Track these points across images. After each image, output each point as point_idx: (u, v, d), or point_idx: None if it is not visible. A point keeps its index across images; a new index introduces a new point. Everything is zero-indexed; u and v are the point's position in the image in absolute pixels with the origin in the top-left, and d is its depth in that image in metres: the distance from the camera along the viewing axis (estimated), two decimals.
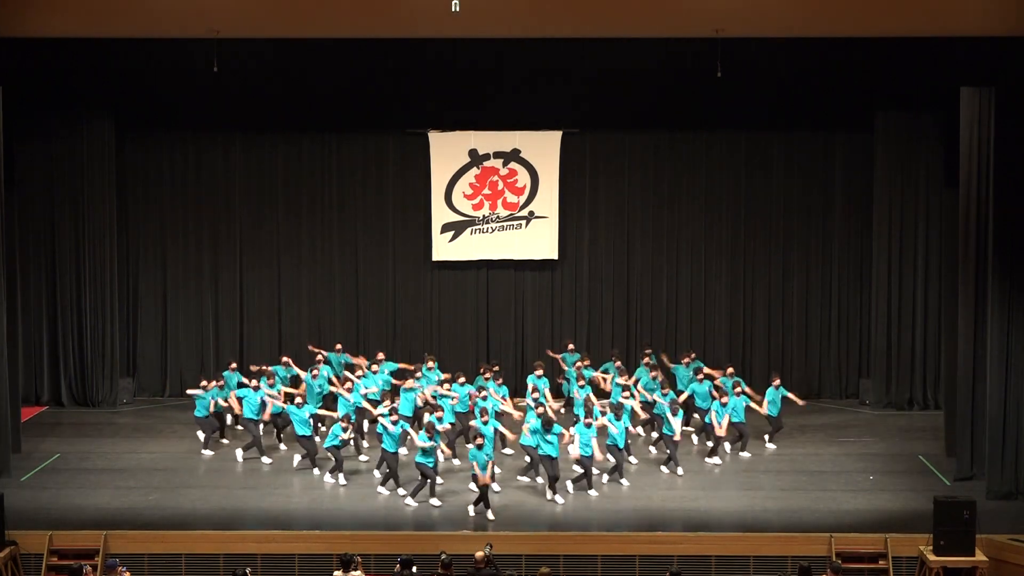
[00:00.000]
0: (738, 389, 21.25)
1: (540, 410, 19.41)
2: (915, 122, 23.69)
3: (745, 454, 20.97)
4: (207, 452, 21.23)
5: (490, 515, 18.07)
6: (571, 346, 23.70)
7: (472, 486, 18.69)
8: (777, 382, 21.66)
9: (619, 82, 23.20)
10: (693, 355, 23.04)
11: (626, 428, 19.67)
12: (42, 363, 24.61)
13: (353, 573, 15.58)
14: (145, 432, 22.55)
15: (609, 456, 19.55)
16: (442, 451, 19.30)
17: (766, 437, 21.65)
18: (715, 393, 21.48)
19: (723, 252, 25.08)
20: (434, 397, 20.99)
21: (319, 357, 22.65)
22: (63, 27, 18.88)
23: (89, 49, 20.52)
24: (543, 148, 24.69)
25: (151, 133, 24.71)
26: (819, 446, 21.85)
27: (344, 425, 19.59)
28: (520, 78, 23.15)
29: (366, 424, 21.51)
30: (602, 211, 25.12)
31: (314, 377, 21.99)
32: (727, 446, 21.17)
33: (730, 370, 22.23)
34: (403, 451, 20.06)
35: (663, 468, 20.18)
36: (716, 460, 20.70)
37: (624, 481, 19.59)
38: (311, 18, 18.48)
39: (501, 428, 20.28)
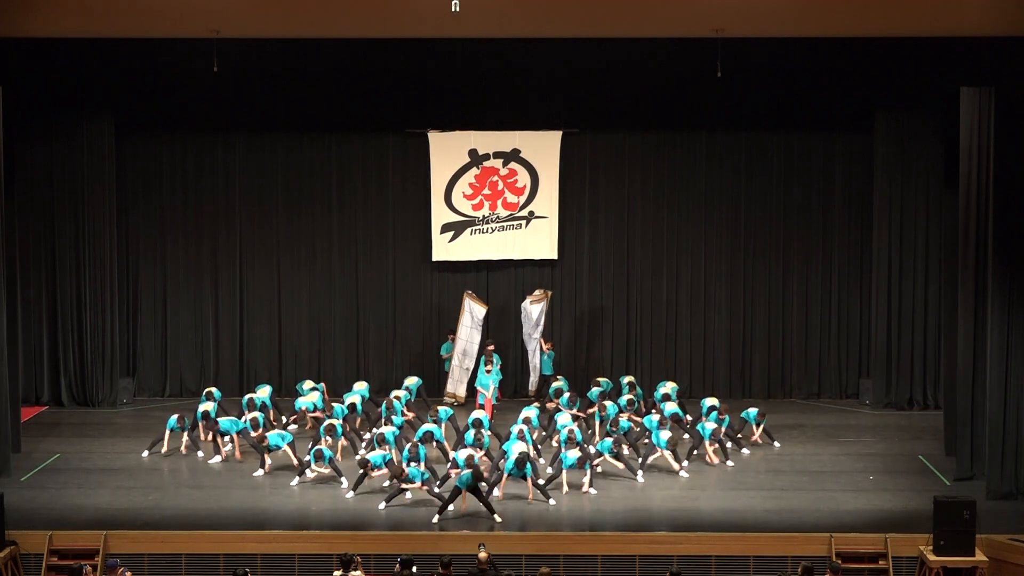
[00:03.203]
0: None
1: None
2: (915, 122, 23.69)
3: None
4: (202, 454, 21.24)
5: (497, 518, 18.06)
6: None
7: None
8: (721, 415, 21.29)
9: (619, 82, 23.22)
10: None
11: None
12: (42, 363, 24.60)
13: (353, 573, 15.59)
14: (145, 432, 22.48)
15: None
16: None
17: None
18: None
19: (723, 252, 25.08)
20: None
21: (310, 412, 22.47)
22: (63, 27, 18.87)
23: (89, 49, 20.51)
24: (543, 148, 24.69)
25: (151, 133, 24.71)
26: (819, 446, 21.85)
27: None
28: (520, 78, 23.17)
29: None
30: (602, 211, 25.12)
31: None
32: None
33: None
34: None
35: (639, 477, 20.06)
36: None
37: (592, 490, 19.36)
38: (311, 18, 18.46)
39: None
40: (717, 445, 20.62)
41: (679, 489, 19.55)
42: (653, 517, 18.27)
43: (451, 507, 18.15)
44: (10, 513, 17.44)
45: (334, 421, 20.80)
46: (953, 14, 17.84)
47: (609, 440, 19.93)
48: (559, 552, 17.15)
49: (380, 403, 21.85)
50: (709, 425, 20.72)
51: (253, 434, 20.59)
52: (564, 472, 19.20)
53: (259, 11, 18.12)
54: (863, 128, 24.10)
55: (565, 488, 19.16)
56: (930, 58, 19.82)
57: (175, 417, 21.29)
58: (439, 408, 21.54)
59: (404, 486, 18.50)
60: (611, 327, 25.25)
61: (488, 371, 22.85)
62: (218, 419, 21.24)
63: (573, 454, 19.24)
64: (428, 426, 20.41)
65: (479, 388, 22.78)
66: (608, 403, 21.74)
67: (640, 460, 20.21)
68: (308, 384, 23.07)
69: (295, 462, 20.02)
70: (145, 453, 21.23)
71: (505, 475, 18.77)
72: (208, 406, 21.67)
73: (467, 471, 18.12)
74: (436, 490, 18.72)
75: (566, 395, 22.16)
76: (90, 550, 17.15)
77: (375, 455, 19.17)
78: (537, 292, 24.06)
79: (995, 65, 18.74)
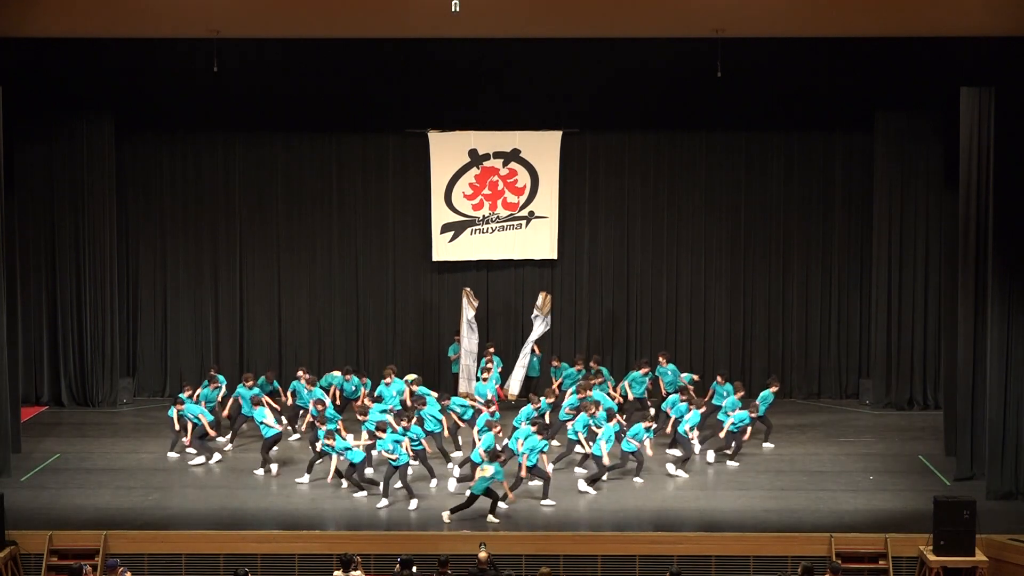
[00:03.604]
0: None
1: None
2: (915, 122, 23.69)
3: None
4: (173, 455, 21.16)
5: (493, 518, 18.05)
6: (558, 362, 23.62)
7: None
8: (776, 388, 21.66)
9: (619, 82, 23.20)
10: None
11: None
12: (42, 363, 24.60)
13: (353, 573, 15.60)
14: (145, 432, 22.54)
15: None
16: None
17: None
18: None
19: (723, 252, 25.08)
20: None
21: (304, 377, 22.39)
22: (63, 27, 18.88)
23: (89, 49, 20.52)
24: (543, 148, 24.68)
25: (151, 133, 24.70)
26: (819, 446, 21.85)
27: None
28: (520, 78, 23.14)
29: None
30: (602, 211, 25.12)
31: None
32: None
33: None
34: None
35: (676, 470, 20.13)
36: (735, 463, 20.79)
37: (589, 489, 19.39)
38: (311, 18, 18.47)
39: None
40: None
41: (679, 489, 19.56)
42: (653, 517, 18.27)
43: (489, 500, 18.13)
44: (10, 513, 17.44)
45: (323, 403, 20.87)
46: (953, 14, 17.85)
47: (640, 425, 19.81)
48: (559, 552, 17.15)
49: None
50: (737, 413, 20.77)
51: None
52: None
53: (259, 11, 18.13)
54: (863, 128, 24.10)
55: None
56: (930, 58, 19.82)
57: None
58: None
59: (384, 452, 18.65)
60: (611, 327, 25.25)
61: (484, 379, 22.35)
62: (184, 402, 21.13)
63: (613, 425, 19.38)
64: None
65: (476, 396, 22.12)
66: (594, 391, 21.61)
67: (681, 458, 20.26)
68: (336, 374, 22.90)
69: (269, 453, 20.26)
70: (171, 454, 21.20)
71: (526, 456, 18.67)
72: (186, 393, 21.56)
73: (494, 465, 18.04)
74: (407, 480, 18.79)
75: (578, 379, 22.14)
76: (90, 550, 17.16)
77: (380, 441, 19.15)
78: (540, 301, 23.70)
79: (995, 65, 18.74)
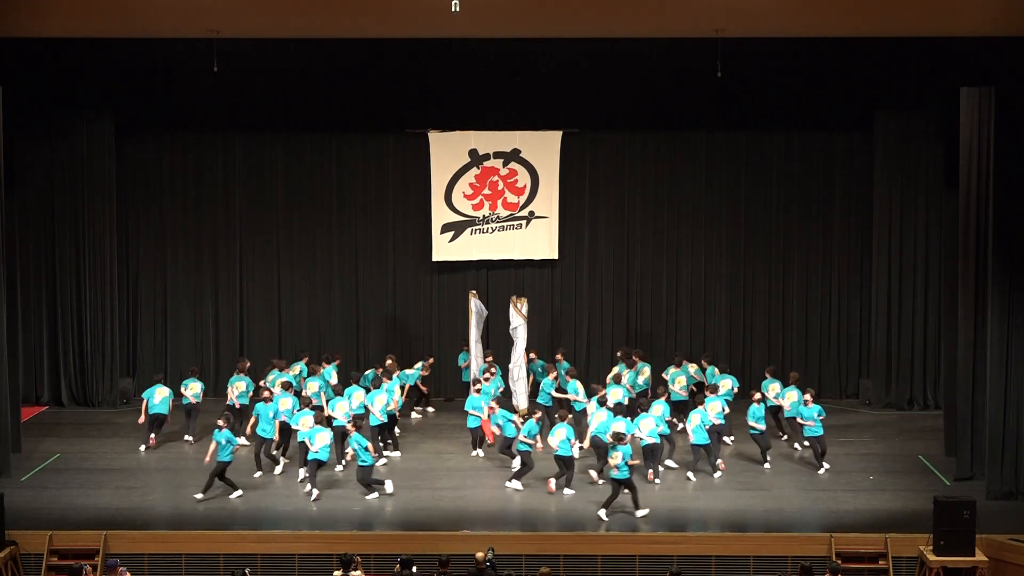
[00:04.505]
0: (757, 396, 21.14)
1: (539, 414, 19.93)
2: (915, 122, 23.70)
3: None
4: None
5: (639, 513, 18.14)
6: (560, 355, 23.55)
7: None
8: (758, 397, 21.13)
9: (619, 82, 23.20)
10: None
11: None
12: (42, 363, 24.61)
13: (353, 573, 15.60)
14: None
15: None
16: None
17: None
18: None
19: (723, 252, 25.09)
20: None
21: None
22: (63, 27, 18.87)
23: (89, 49, 20.51)
24: (543, 148, 24.68)
25: (151, 133, 24.72)
26: None
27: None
28: (520, 78, 23.15)
29: None
30: (602, 211, 25.12)
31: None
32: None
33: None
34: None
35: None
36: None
37: (568, 490, 19.36)
38: (310, 18, 18.46)
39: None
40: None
41: (679, 489, 19.56)
42: (653, 517, 18.26)
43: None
44: (10, 513, 17.45)
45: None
46: (953, 14, 17.83)
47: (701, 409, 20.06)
48: (559, 552, 17.16)
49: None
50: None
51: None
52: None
53: (259, 11, 18.11)
54: (863, 128, 24.11)
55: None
56: (930, 58, 19.82)
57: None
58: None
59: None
60: (611, 327, 25.25)
61: (478, 390, 21.44)
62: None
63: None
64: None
65: (471, 411, 21.30)
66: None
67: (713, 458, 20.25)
68: (409, 371, 23.19)
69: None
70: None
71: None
72: (196, 387, 21.83)
73: (623, 448, 18.11)
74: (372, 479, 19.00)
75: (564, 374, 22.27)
76: (90, 550, 17.17)
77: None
78: (515, 308, 23.07)
79: (995, 65, 18.75)
